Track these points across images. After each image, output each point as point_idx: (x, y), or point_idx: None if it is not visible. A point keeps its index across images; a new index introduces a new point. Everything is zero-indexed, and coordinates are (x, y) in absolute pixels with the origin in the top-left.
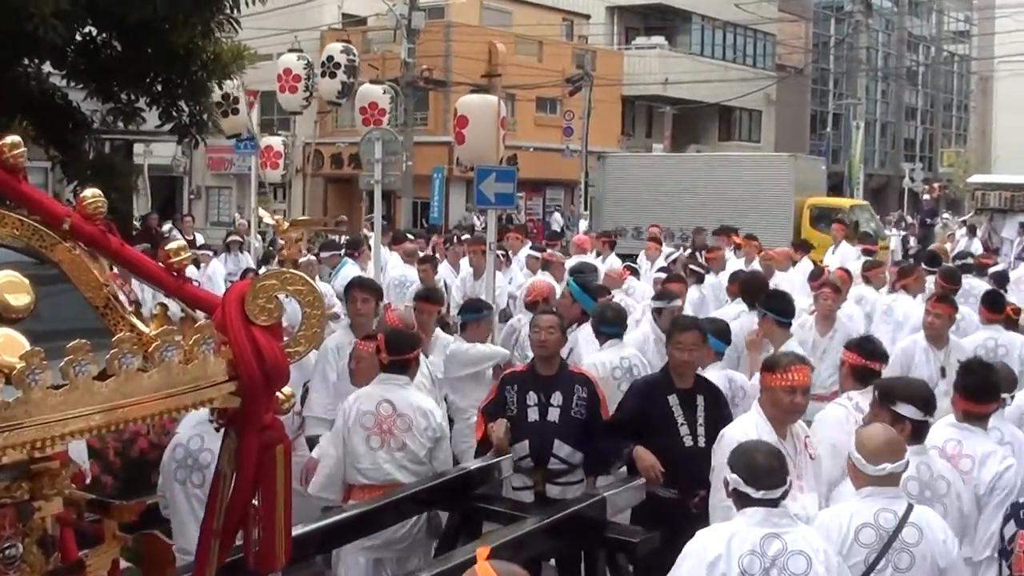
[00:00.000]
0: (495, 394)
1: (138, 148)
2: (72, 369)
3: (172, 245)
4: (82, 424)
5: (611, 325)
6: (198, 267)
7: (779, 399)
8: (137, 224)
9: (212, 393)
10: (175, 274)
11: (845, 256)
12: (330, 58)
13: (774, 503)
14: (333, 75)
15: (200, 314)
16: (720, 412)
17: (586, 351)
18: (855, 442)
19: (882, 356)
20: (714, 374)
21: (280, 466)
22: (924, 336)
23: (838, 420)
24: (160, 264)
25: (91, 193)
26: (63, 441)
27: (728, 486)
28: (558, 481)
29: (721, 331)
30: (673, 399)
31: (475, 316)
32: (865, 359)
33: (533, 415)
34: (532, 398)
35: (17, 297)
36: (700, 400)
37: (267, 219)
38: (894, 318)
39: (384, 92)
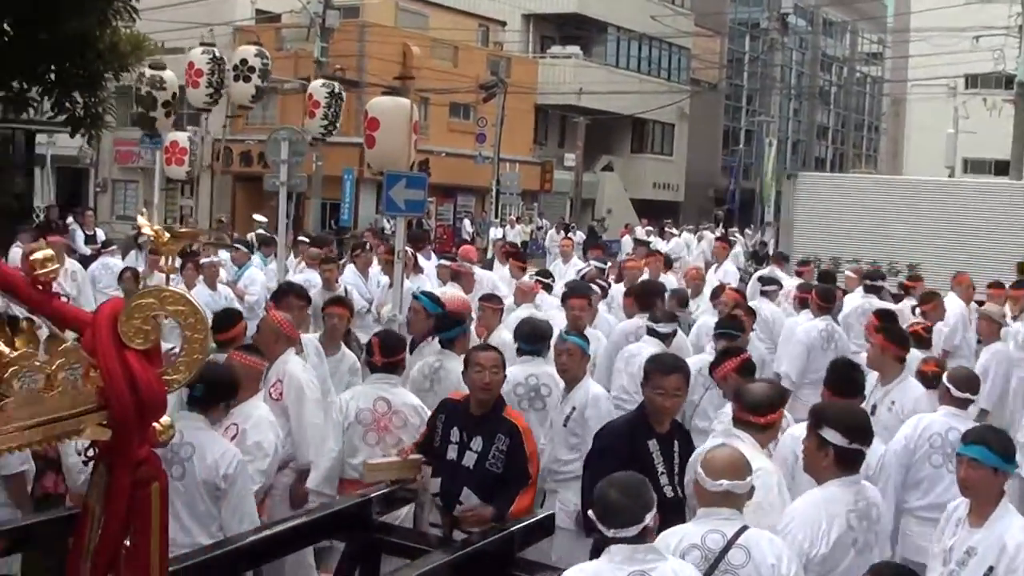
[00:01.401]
0: (432, 419)
1: (41, 138)
2: None
3: (38, 255)
4: None
5: (527, 342)
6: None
7: None
8: (39, 216)
9: (79, 424)
10: (40, 288)
11: (727, 273)
12: (244, 61)
13: (631, 541)
14: (247, 79)
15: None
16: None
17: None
18: (701, 460)
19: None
20: None
21: (156, 505)
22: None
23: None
24: (24, 276)
25: None
26: None
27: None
28: (464, 530)
29: None
30: (653, 444)
31: (461, 329)
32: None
33: (452, 453)
34: (455, 435)
35: None
36: (676, 446)
37: (146, 229)
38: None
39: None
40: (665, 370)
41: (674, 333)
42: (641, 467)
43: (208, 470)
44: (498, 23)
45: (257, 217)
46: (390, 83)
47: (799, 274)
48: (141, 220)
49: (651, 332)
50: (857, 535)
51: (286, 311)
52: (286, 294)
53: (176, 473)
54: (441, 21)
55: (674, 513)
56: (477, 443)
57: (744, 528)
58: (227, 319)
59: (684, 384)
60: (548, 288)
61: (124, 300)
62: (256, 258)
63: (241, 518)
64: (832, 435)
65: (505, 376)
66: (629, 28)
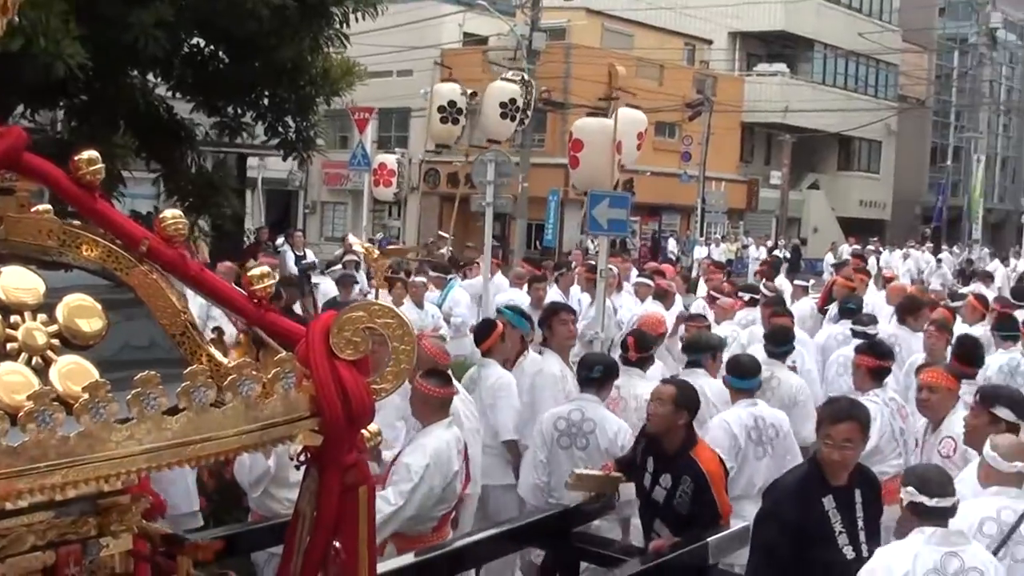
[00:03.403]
0: (636, 441)
1: (252, 161)
2: (140, 402)
3: (255, 272)
4: (150, 461)
5: (688, 351)
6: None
7: None
8: (250, 238)
9: (292, 430)
10: (257, 302)
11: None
12: (512, 100)
13: (947, 512)
14: (513, 118)
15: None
16: (878, 505)
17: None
18: (990, 444)
19: (892, 355)
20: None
21: (363, 508)
22: None
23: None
24: (242, 292)
25: (171, 214)
26: (129, 478)
27: (903, 502)
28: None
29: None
30: (828, 501)
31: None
32: (879, 360)
33: (646, 480)
34: (650, 464)
35: (89, 322)
36: (858, 496)
37: (356, 246)
38: None
39: None
40: (835, 417)
41: (876, 335)
42: (815, 530)
43: (610, 442)
44: (704, 41)
45: (442, 233)
46: (595, 104)
47: None
48: (352, 238)
49: (856, 334)
50: None
51: (559, 327)
52: (556, 312)
53: (580, 444)
54: (647, 41)
55: None
56: (666, 480)
57: None
58: (485, 329)
59: (858, 434)
60: (755, 303)
61: (334, 314)
62: (457, 279)
63: None
64: (1005, 413)
65: (680, 413)
66: (836, 45)
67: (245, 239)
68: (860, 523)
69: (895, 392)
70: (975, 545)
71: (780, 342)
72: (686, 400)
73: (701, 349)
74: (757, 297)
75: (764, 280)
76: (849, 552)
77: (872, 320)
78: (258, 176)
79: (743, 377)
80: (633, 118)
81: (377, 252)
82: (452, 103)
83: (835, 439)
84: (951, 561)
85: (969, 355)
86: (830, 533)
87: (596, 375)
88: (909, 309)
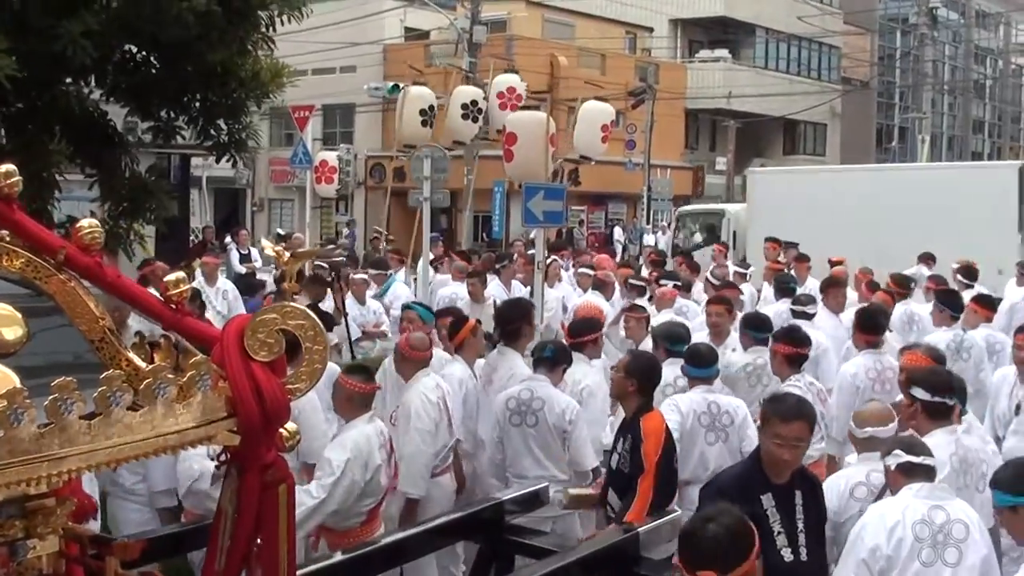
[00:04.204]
0: None
1: (197, 160)
2: (57, 408)
3: (171, 277)
4: (69, 464)
5: (670, 342)
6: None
7: None
8: (196, 237)
9: (210, 431)
10: (174, 307)
11: None
12: (474, 102)
13: (931, 470)
14: (475, 119)
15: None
16: (819, 508)
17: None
18: (851, 417)
19: (809, 342)
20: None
21: (283, 505)
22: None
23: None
24: (159, 297)
25: (87, 223)
26: (50, 482)
27: (889, 469)
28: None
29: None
30: (767, 499)
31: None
32: (796, 347)
33: (613, 454)
34: (618, 437)
35: (10, 331)
36: (799, 498)
37: (268, 250)
38: None
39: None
40: (785, 416)
41: (815, 314)
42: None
43: (557, 417)
44: (645, 29)
45: (378, 228)
46: (531, 95)
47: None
48: (264, 242)
49: (796, 314)
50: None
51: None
52: (530, 310)
53: (530, 422)
54: (588, 30)
55: None
56: (620, 444)
57: None
58: (455, 325)
59: (807, 432)
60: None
61: (249, 317)
62: (400, 273)
63: (586, 453)
64: (920, 392)
65: (631, 383)
66: (777, 29)
67: (192, 239)
68: (800, 525)
69: (813, 377)
70: (958, 501)
71: (760, 328)
72: (635, 368)
73: (680, 339)
74: (679, 283)
75: (685, 268)
76: (788, 554)
77: (810, 300)
78: (203, 175)
79: (700, 366)
80: (598, 109)
81: (287, 255)
82: (431, 107)
83: (786, 438)
84: (937, 513)
85: (870, 325)
86: (768, 532)
87: (547, 355)
88: (824, 287)
